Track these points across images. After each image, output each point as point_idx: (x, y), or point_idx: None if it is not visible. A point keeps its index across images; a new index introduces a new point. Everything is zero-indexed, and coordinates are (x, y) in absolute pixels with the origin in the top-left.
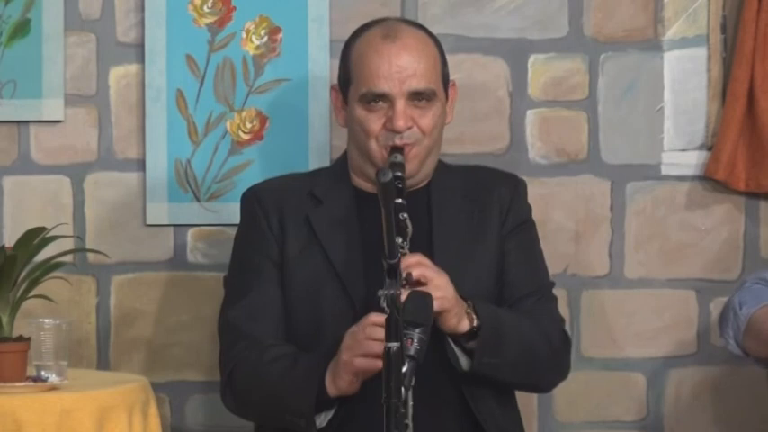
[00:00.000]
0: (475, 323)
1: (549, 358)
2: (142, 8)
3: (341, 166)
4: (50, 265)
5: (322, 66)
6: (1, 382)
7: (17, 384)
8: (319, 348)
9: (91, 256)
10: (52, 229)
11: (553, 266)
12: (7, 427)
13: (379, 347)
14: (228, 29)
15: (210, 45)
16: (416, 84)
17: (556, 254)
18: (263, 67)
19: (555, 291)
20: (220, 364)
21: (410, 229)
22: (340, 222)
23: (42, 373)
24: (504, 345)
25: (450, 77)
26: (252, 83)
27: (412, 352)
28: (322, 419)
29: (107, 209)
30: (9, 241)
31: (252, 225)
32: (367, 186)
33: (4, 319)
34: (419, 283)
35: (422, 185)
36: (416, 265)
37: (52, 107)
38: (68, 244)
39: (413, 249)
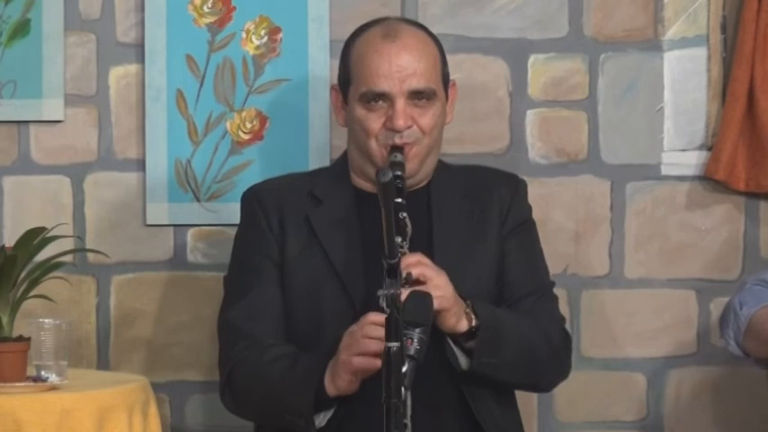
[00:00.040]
0: (474, 323)
1: (548, 358)
2: (142, 8)
3: (341, 166)
4: (50, 265)
5: (322, 66)
6: (1, 382)
7: (17, 384)
8: (319, 348)
9: (91, 256)
10: (52, 229)
11: (553, 266)
12: (7, 427)
13: (376, 346)
14: (228, 29)
15: (210, 45)
16: (416, 83)
17: (556, 254)
18: (263, 67)
19: (555, 291)
20: (220, 364)
21: (410, 229)
22: (340, 222)
23: (42, 373)
24: (503, 344)
25: (451, 77)
26: (252, 83)
27: (412, 352)
28: (321, 419)
29: (107, 209)
30: (9, 241)
31: (252, 225)
32: (367, 186)
33: (4, 319)
34: (418, 282)
35: (422, 185)
36: (416, 264)
37: (52, 107)
38: (68, 244)
39: (413, 249)
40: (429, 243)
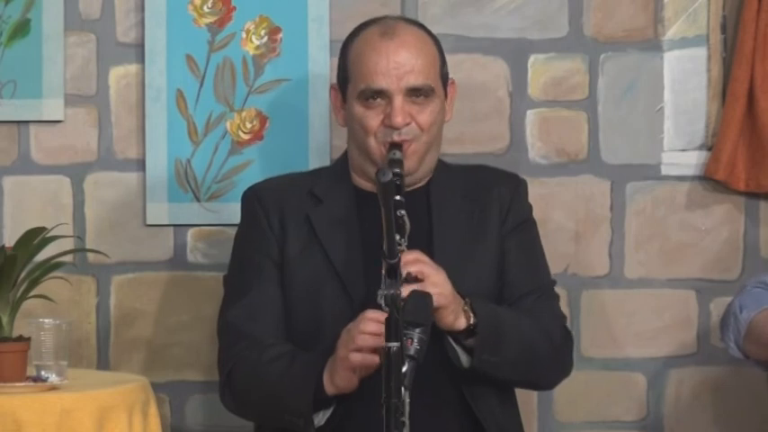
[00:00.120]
0: (472, 320)
1: (550, 356)
2: (142, 8)
3: (341, 166)
4: (50, 265)
5: (322, 66)
6: (1, 382)
7: (17, 384)
8: (318, 347)
9: (91, 256)
10: (52, 229)
11: (553, 266)
12: (7, 427)
13: (373, 341)
14: (228, 29)
15: (210, 45)
16: (414, 80)
17: (556, 254)
18: (263, 67)
19: (555, 291)
20: (219, 364)
21: (408, 226)
22: (340, 221)
23: (42, 373)
24: (503, 342)
25: (452, 78)
26: (252, 83)
27: (412, 352)
28: (320, 418)
29: (107, 209)
30: (9, 241)
31: (252, 224)
32: (367, 186)
33: (4, 319)
34: (416, 279)
35: (422, 185)
36: (414, 261)
37: (52, 107)
38: (68, 244)
39: (412, 249)
40: (429, 243)
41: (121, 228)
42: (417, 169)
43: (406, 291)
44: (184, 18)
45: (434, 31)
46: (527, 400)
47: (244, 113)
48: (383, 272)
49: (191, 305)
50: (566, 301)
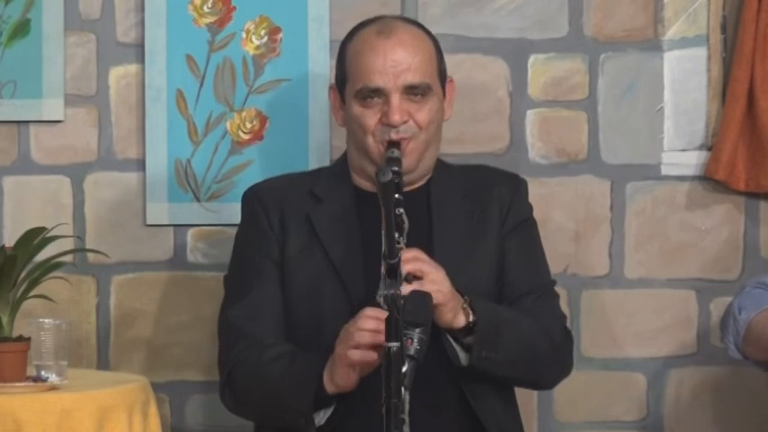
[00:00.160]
0: (471, 318)
1: (549, 354)
2: (142, 8)
3: (341, 166)
4: (50, 265)
5: (322, 66)
6: (1, 382)
7: (17, 384)
8: (318, 347)
9: (91, 256)
10: (52, 229)
11: (553, 266)
12: (7, 427)
13: (371, 338)
14: (228, 29)
15: (210, 45)
16: (411, 77)
17: (556, 254)
18: (263, 67)
19: (555, 291)
20: (220, 364)
21: (406, 225)
22: (340, 221)
23: (42, 373)
24: (502, 340)
25: (450, 76)
26: (252, 83)
27: (412, 352)
28: (321, 417)
29: (107, 209)
30: (9, 241)
31: (253, 224)
32: (367, 186)
33: (4, 319)
34: (415, 277)
35: (422, 185)
36: (412, 259)
37: (52, 107)
38: (68, 244)
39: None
40: (429, 243)
41: (121, 228)
42: (416, 167)
43: (405, 290)
44: (184, 18)
45: (434, 31)
46: (527, 400)
47: (244, 113)
48: (383, 271)
49: (191, 305)
50: (566, 301)
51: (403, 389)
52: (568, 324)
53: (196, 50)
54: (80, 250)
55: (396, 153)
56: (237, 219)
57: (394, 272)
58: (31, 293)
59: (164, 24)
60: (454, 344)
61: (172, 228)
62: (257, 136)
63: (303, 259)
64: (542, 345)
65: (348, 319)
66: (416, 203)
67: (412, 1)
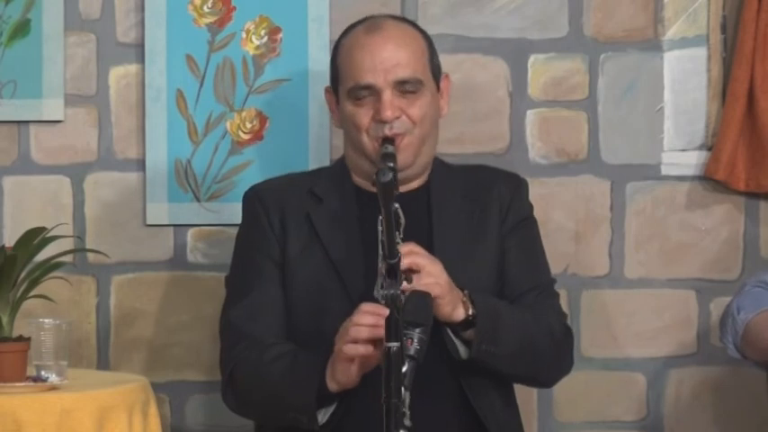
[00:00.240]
0: (471, 311)
1: (550, 350)
2: (142, 8)
3: (341, 166)
4: (50, 265)
5: (322, 66)
6: (1, 382)
7: (17, 384)
8: (319, 346)
9: (91, 256)
10: (52, 229)
11: (553, 266)
12: (7, 427)
13: (368, 333)
14: (228, 29)
15: (210, 45)
16: (401, 73)
17: (556, 254)
18: (263, 67)
19: (555, 289)
20: (221, 364)
21: (403, 220)
22: (340, 220)
23: (42, 373)
24: (502, 333)
25: (450, 77)
26: (252, 83)
27: (412, 352)
28: (323, 415)
29: (107, 209)
30: (9, 241)
31: (253, 224)
32: (367, 185)
33: (4, 319)
34: (412, 271)
35: (421, 185)
36: (408, 253)
37: (52, 107)
38: (68, 244)
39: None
40: (429, 243)
41: (121, 228)
42: (412, 163)
43: (405, 289)
44: (184, 18)
45: (434, 31)
46: (527, 399)
47: (244, 113)
48: (383, 271)
49: (191, 305)
50: (566, 300)
51: (403, 389)
52: (569, 323)
53: (196, 50)
54: (80, 250)
55: (390, 149)
56: (237, 219)
57: (394, 272)
58: (31, 293)
59: (164, 24)
60: (454, 338)
61: (172, 228)
62: (257, 136)
63: (304, 259)
64: (543, 340)
65: (348, 317)
66: (416, 203)
67: (412, 1)
